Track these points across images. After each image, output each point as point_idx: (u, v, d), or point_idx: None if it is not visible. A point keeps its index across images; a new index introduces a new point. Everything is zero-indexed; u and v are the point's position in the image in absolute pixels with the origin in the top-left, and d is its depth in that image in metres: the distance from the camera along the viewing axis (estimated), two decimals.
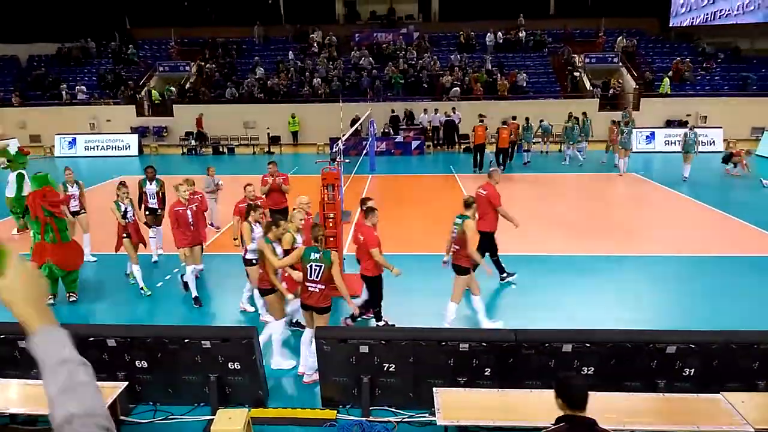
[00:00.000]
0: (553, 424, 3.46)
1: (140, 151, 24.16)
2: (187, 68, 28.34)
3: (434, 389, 4.77)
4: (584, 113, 20.56)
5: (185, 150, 24.23)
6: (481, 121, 18.91)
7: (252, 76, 27.15)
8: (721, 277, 9.04)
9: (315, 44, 29.05)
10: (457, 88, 25.57)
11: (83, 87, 27.15)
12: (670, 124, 24.20)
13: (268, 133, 24.41)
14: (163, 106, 26.58)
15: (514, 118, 19.63)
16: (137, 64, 29.16)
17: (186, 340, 5.28)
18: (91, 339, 5.32)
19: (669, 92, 25.16)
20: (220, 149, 24.24)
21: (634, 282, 9.01)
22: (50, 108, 26.25)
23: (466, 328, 6.85)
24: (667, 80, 25.44)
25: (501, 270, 8.88)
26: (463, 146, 23.73)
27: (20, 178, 11.51)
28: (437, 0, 31.06)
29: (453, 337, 5.19)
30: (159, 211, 10.24)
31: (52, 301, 8.29)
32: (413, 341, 5.16)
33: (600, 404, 4.62)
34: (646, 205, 14.40)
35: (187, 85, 27.38)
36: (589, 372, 5.16)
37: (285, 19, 31.51)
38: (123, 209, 8.50)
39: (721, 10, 27.61)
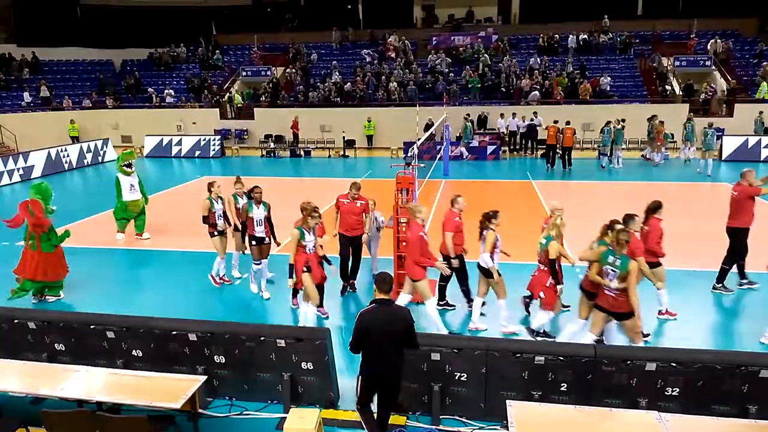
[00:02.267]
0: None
1: (222, 152, 25.36)
2: (269, 73, 29.45)
3: (508, 401, 4.66)
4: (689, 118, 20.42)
5: (264, 152, 25.17)
6: (555, 122, 20.05)
7: (329, 80, 27.80)
8: None
9: (391, 48, 29.32)
10: (536, 92, 24.93)
11: (171, 90, 28.90)
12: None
13: (344, 137, 24.89)
14: (245, 110, 27.79)
15: (567, 123, 19.87)
16: (222, 69, 30.68)
17: (262, 338, 5.47)
18: (174, 333, 5.63)
19: (767, 97, 23.26)
20: (297, 152, 24.98)
21: (734, 300, 8.40)
22: (140, 110, 28.15)
23: (551, 340, 6.64)
24: (765, 84, 23.53)
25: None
26: (540, 152, 23.11)
27: (118, 183, 11.77)
28: (518, 1, 30.44)
29: (528, 349, 5.05)
30: (267, 240, 8.66)
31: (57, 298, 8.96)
32: (486, 351, 5.08)
33: (686, 428, 4.35)
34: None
35: (267, 89, 28.42)
36: (674, 393, 4.87)
37: (363, 24, 32.06)
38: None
39: None
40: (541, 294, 6.89)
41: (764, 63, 24.81)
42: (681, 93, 24.64)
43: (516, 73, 26.28)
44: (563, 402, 4.91)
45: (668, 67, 25.89)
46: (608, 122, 20.20)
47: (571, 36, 27.88)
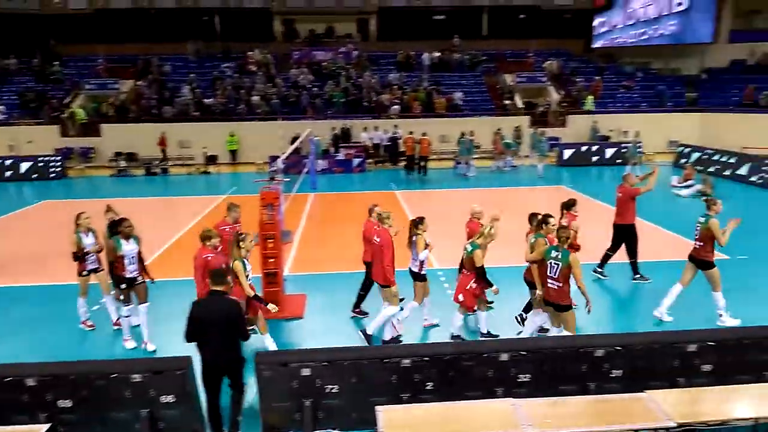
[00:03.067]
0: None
1: (64, 173, 22.98)
2: (117, 86, 27.35)
3: (376, 407, 4.76)
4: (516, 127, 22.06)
5: (116, 171, 23.27)
6: (411, 133, 22.38)
7: (186, 94, 26.55)
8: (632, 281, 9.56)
9: (252, 61, 28.79)
10: (397, 106, 25.99)
11: (2, 107, 25.67)
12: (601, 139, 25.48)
13: (205, 153, 23.87)
14: (90, 126, 25.50)
15: (424, 134, 21.88)
16: (62, 82, 27.87)
17: (113, 375, 5.01)
18: (8, 379, 4.96)
19: (593, 109, 26.59)
20: (153, 170, 23.45)
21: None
22: None
23: (415, 343, 6.90)
24: (590, 98, 26.91)
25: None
26: (402, 162, 24.10)
27: None
28: (375, 19, 31.56)
29: (396, 354, 5.20)
30: (140, 279, 7.60)
31: None
32: (356, 360, 5.14)
33: (538, 410, 4.78)
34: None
35: (115, 104, 26.36)
36: (525, 379, 5.31)
37: (221, 37, 31.08)
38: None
39: (637, 33, 29.65)
40: (460, 297, 7.21)
41: (597, 78, 28.26)
42: (523, 107, 27.21)
43: (376, 89, 27.18)
44: (429, 401, 5.12)
45: (511, 84, 28.45)
46: (462, 134, 21.72)
47: (425, 54, 29.53)
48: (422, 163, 21.77)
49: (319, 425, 5.33)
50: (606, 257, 9.70)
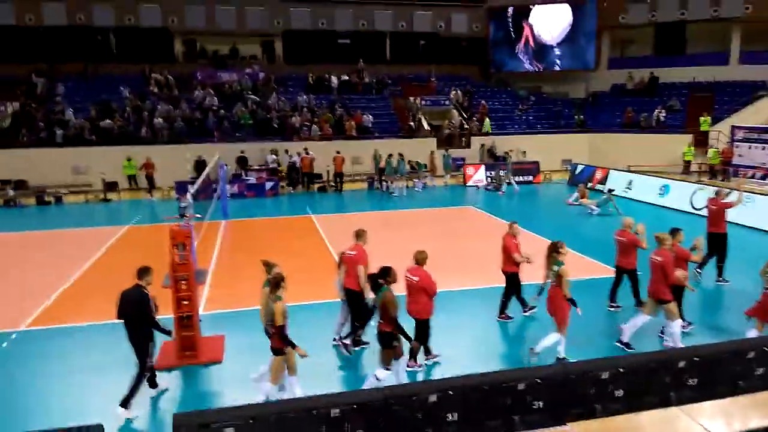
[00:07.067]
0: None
1: None
2: (2, 108, 24.96)
3: None
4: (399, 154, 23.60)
5: (1, 201, 21.16)
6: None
7: (81, 116, 24.80)
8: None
9: (153, 82, 27.50)
10: (315, 126, 25.92)
11: None
12: (497, 159, 26.80)
13: (103, 179, 22.37)
14: None
15: (338, 152, 23.44)
16: None
17: None
18: None
19: (490, 131, 28.09)
20: (45, 198, 21.61)
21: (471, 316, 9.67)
22: None
23: (339, 392, 6.83)
24: (487, 120, 28.44)
25: None
26: (317, 185, 24.05)
27: None
28: (280, 42, 31.35)
29: (323, 404, 5.15)
30: None
31: None
32: (280, 414, 5.03)
33: None
34: (483, 235, 15.32)
35: (5, 126, 24.07)
36: (454, 419, 5.45)
37: (118, 57, 29.36)
38: None
39: (528, 60, 31.93)
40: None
41: (483, 102, 29.83)
42: (429, 128, 28.14)
43: (285, 111, 26.93)
44: None
45: (417, 106, 29.36)
46: (390, 155, 22.86)
47: (333, 77, 29.74)
48: (338, 180, 23.31)
49: None
50: (704, 262, 10.90)
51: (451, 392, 5.39)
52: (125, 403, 6.67)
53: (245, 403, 5.62)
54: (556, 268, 7.70)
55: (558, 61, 31.54)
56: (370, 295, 7.71)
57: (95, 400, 7.05)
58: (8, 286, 11.54)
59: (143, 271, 7.01)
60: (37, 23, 27.58)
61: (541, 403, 5.62)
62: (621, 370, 5.78)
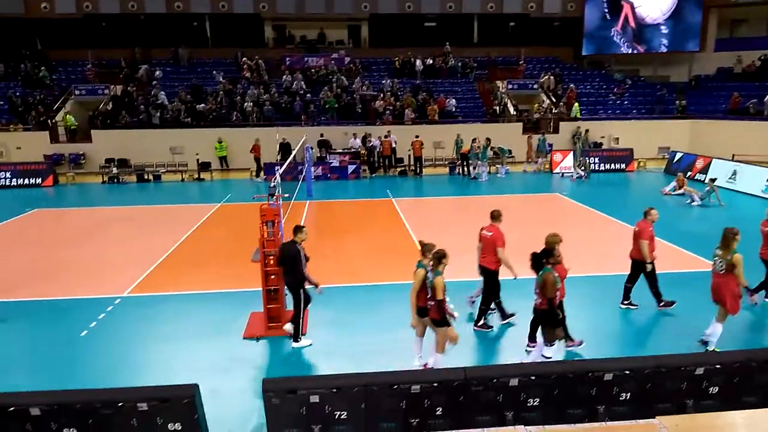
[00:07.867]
0: None
1: (55, 180, 22.71)
2: (107, 91, 27.08)
3: None
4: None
5: (106, 178, 23.03)
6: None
7: (177, 99, 26.35)
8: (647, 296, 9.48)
9: (245, 67, 28.65)
10: (391, 112, 25.97)
11: None
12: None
13: (197, 159, 23.70)
14: (81, 132, 25.25)
15: (416, 137, 23.45)
16: (50, 87, 27.51)
17: (120, 404, 4.95)
18: (11, 409, 4.87)
19: (578, 116, 26.73)
20: (145, 176, 23.25)
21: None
22: None
23: (422, 369, 6.85)
24: (576, 105, 27.07)
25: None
26: (398, 170, 24.14)
27: None
28: (366, 26, 31.56)
29: (405, 380, 5.19)
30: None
31: None
32: (365, 386, 5.12)
33: None
34: (571, 224, 14.84)
35: (106, 109, 26.09)
36: (535, 404, 5.32)
37: (212, 42, 30.90)
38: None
39: (627, 41, 30.01)
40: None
41: (571, 86, 28.38)
42: (515, 113, 27.33)
43: (369, 95, 27.15)
44: (439, 426, 5.12)
45: (503, 90, 28.57)
46: (474, 139, 22.40)
47: (417, 60, 29.57)
48: (417, 165, 23.42)
49: None
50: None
51: (533, 377, 5.26)
52: (296, 338, 7.99)
53: (327, 373, 5.78)
54: (729, 257, 7.29)
55: (664, 41, 29.46)
56: (509, 275, 8.25)
57: (190, 362, 7.53)
58: (112, 256, 12.52)
59: (298, 229, 8.09)
60: (139, 11, 29.49)
61: (628, 395, 5.36)
62: (717, 366, 5.38)
